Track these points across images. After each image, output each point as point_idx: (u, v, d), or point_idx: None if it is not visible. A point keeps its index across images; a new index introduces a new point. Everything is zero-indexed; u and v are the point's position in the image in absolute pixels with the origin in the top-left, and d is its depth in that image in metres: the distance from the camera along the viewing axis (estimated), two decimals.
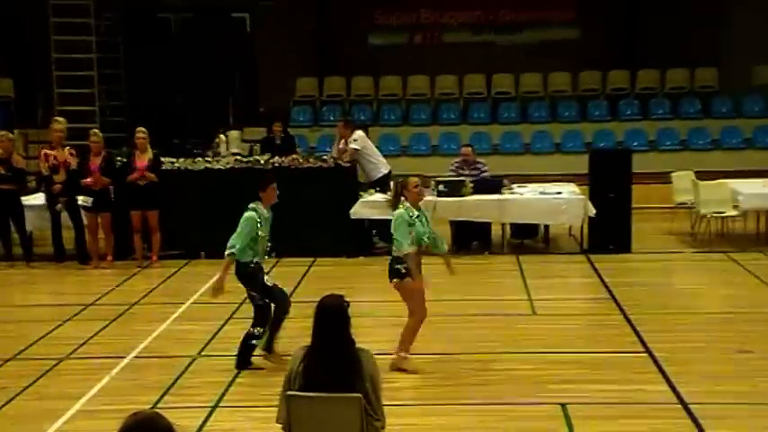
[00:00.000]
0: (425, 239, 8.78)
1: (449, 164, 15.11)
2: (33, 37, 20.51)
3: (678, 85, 21.23)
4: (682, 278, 13.35)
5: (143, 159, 13.77)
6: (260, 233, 8.83)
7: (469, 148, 14.94)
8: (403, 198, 8.79)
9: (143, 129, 13.91)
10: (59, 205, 13.90)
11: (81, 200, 13.85)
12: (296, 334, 9.20)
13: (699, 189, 14.36)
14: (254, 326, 8.93)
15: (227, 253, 8.76)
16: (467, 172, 14.51)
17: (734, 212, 14.23)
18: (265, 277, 8.98)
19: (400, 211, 8.72)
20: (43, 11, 19.76)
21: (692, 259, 13.87)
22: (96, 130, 14.44)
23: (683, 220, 15.25)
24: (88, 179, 13.70)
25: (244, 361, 8.98)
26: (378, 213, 14.16)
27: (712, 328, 10.21)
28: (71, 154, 13.92)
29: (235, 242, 8.75)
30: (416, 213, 8.73)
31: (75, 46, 19.87)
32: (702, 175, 15.17)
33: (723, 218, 14.37)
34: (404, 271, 8.60)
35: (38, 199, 14.45)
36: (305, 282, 12.63)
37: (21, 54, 21.06)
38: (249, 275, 8.88)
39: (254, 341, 8.95)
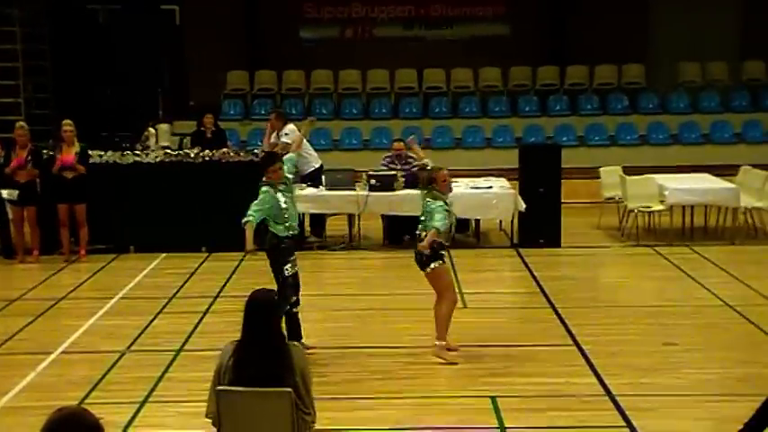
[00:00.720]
0: (453, 227, 9.34)
1: (380, 158, 15.11)
2: None
3: (606, 81, 21.48)
4: (609, 272, 13.51)
5: (70, 153, 13.54)
6: (282, 206, 8.95)
7: (401, 143, 14.96)
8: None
9: (70, 121, 13.69)
10: None
11: (6, 193, 13.57)
12: (225, 328, 9.19)
13: (626, 184, 14.55)
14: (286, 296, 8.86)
15: (242, 222, 8.89)
16: (398, 166, 14.53)
17: (660, 207, 14.43)
18: (288, 266, 8.98)
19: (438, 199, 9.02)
20: None
21: (620, 253, 14.04)
22: (23, 123, 14.16)
23: (611, 215, 15.44)
24: (14, 165, 13.41)
25: (296, 334, 8.86)
26: (310, 207, 14.14)
27: (639, 321, 10.35)
28: None
29: (249, 212, 8.89)
30: (449, 201, 9.13)
31: None
32: (630, 171, 15.39)
33: (650, 212, 14.57)
34: (444, 255, 9.02)
35: None
36: (236, 276, 12.53)
37: None
38: (272, 249, 9.02)
39: (294, 309, 8.96)
